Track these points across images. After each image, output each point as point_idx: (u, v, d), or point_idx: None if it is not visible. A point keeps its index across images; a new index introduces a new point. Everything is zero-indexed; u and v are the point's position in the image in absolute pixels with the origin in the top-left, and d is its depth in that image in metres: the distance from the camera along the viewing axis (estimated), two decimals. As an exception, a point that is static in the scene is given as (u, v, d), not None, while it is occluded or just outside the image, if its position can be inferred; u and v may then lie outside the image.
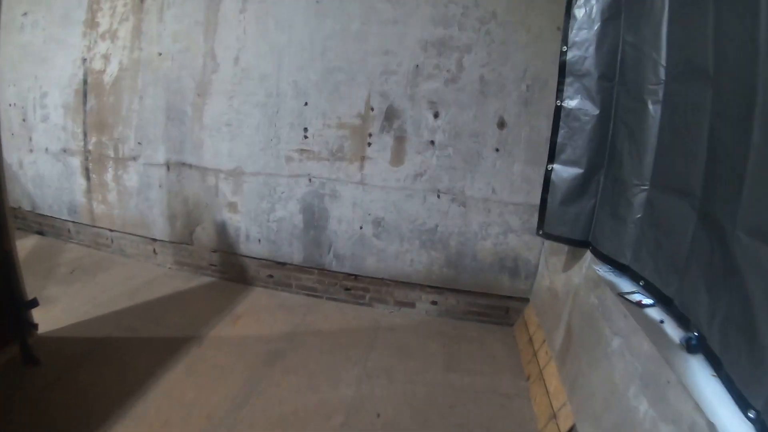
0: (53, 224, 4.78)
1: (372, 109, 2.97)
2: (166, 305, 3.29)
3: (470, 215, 3.01)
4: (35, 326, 2.79)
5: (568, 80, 2.15)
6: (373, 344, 2.88)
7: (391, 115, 2.97)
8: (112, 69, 3.85)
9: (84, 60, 4.04)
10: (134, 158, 3.83)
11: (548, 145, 2.32)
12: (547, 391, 2.26)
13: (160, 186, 3.74)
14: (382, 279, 3.22)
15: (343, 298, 3.34)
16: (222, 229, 3.49)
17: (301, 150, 3.12)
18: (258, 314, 3.14)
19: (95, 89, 3.98)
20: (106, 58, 3.89)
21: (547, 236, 2.32)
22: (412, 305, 3.24)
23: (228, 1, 3.25)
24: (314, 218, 3.21)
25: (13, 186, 5.09)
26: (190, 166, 3.50)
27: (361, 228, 3.15)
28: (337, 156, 3.07)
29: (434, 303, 3.20)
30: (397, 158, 3.02)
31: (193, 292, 3.53)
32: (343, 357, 2.71)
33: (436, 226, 3.06)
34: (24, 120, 4.63)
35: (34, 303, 2.75)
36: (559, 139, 2.21)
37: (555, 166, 2.25)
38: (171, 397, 2.33)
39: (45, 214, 4.84)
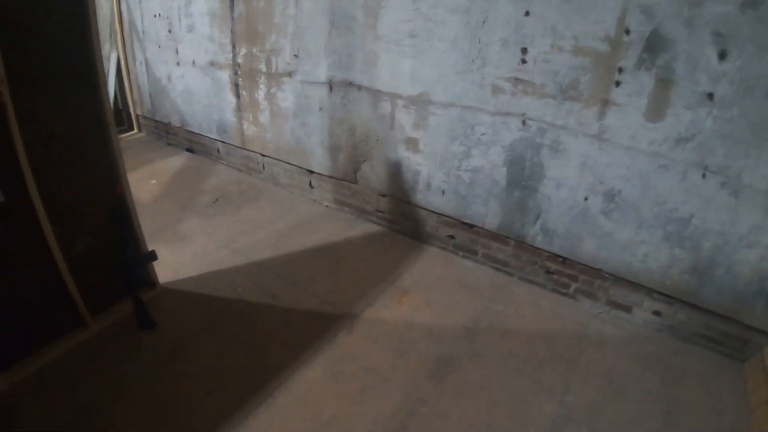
0: (203, 142, 4.85)
1: (627, 32, 2.25)
2: (317, 261, 3.17)
3: (741, 211, 2.28)
4: (153, 284, 2.79)
5: None
6: (575, 363, 2.46)
7: (655, 45, 2.17)
8: None
9: (230, -43, 3.64)
10: (290, 74, 3.53)
11: None
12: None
13: (320, 109, 3.48)
14: (598, 270, 2.74)
15: (540, 281, 2.94)
16: (396, 171, 3.19)
17: (516, 79, 2.53)
18: (430, 290, 2.90)
19: None
20: (255, -51, 3.47)
21: None
22: (627, 309, 2.72)
23: None
24: (523, 175, 2.72)
25: (162, 101, 5.20)
26: (360, 87, 3.15)
27: (585, 199, 2.56)
28: (568, 94, 2.43)
29: (657, 313, 2.67)
30: (656, 110, 2.26)
31: (353, 244, 3.39)
32: (534, 380, 2.33)
33: (691, 216, 2.34)
34: (170, 31, 4.56)
35: (152, 256, 2.72)
36: None
37: None
38: (304, 408, 2.11)
39: (194, 131, 4.84)
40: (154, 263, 2.75)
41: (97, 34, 2.19)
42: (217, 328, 2.53)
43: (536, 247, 2.85)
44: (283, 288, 2.84)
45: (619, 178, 2.48)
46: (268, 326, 2.55)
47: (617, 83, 2.32)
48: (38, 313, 2.27)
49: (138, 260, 2.63)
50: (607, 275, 2.71)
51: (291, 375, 2.24)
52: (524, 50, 2.49)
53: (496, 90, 2.63)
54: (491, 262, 3.07)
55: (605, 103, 2.38)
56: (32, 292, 2.22)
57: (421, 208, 3.21)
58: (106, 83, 2.34)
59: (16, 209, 2.03)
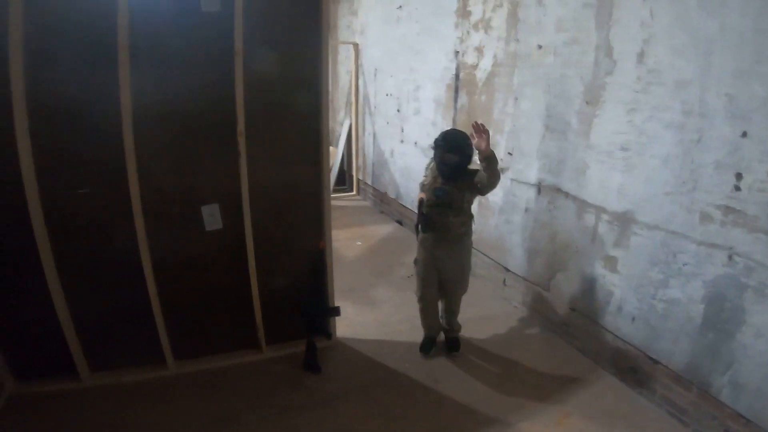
0: (412, 218, 5.80)
1: None
2: (491, 358, 3.70)
3: None
4: (329, 335, 3.72)
5: None
6: None
7: None
8: (486, 63, 4.49)
9: (456, 53, 4.83)
10: (502, 170, 4.21)
11: None
12: None
13: (526, 210, 4.16)
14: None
15: (719, 441, 2.97)
16: (589, 286, 3.63)
17: (727, 208, 2.77)
18: (593, 419, 3.09)
19: (467, 85, 4.67)
20: (479, 51, 4.57)
21: None
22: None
23: (625, -28, 3.18)
24: (720, 316, 2.86)
25: (382, 172, 6.45)
26: (567, 194, 3.73)
27: (786, 357, 2.60)
28: (783, 230, 2.57)
29: None
30: None
31: (531, 351, 3.83)
32: None
33: None
34: (398, 111, 5.77)
35: (336, 312, 3.67)
36: None
37: None
38: None
39: (406, 205, 5.91)
40: (337, 318, 3.75)
41: (327, 108, 3.29)
42: (371, 393, 3.27)
43: (720, 401, 2.86)
44: (448, 375, 3.46)
45: (831, 341, 2.44)
46: (418, 408, 3.16)
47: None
48: (223, 325, 3.46)
49: (322, 311, 3.61)
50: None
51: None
52: (738, 176, 2.67)
53: (705, 218, 2.85)
54: (667, 406, 3.14)
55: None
56: (224, 305, 3.40)
57: (608, 331, 3.48)
58: (327, 150, 3.42)
59: (231, 236, 3.24)
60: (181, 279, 3.25)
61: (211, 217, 3.19)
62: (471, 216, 3.50)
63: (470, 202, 3.44)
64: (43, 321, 2.99)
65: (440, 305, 3.71)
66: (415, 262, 3.62)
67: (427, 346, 3.68)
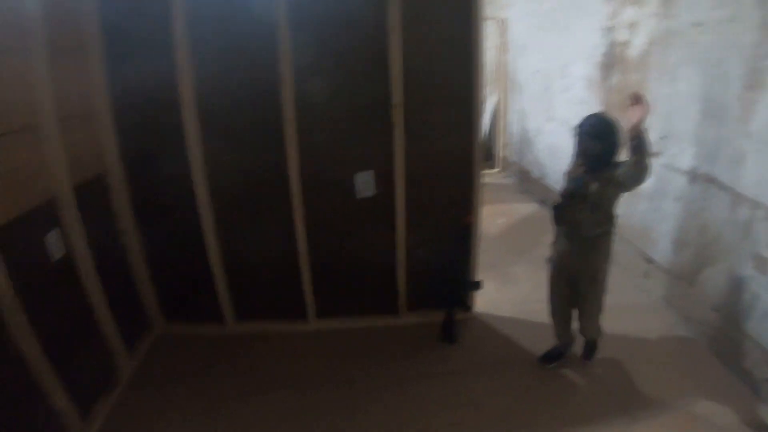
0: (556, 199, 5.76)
1: None
2: (623, 350, 3.64)
3: None
4: (468, 308, 3.92)
5: None
6: None
7: None
8: (639, 41, 4.26)
9: (607, 29, 4.57)
10: (654, 156, 4.03)
11: None
12: None
13: (676, 199, 3.96)
14: None
15: None
16: (735, 287, 3.37)
17: None
18: (717, 429, 2.95)
19: (619, 63, 4.52)
20: (631, 27, 4.34)
21: None
22: None
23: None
24: None
25: (527, 150, 6.38)
26: (721, 185, 3.50)
27: None
28: None
29: None
30: None
31: (665, 348, 3.71)
32: None
33: None
34: (546, 88, 5.71)
35: (476, 286, 3.82)
36: None
37: None
38: None
39: (550, 186, 5.82)
40: (476, 292, 3.93)
41: (480, 83, 3.38)
42: (502, 370, 3.42)
43: None
44: (578, 363, 3.49)
45: None
46: (545, 391, 3.25)
47: None
48: (365, 288, 3.77)
49: (464, 283, 3.80)
50: None
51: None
52: None
53: None
54: (797, 424, 2.90)
55: None
56: (367, 269, 3.71)
57: (749, 336, 3.23)
58: (479, 126, 3.52)
59: (381, 204, 3.51)
60: (329, 240, 3.60)
61: (365, 184, 3.46)
62: (611, 217, 3.09)
63: (611, 200, 3.03)
64: (198, 269, 3.52)
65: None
66: (548, 260, 3.43)
67: (549, 357, 3.48)
